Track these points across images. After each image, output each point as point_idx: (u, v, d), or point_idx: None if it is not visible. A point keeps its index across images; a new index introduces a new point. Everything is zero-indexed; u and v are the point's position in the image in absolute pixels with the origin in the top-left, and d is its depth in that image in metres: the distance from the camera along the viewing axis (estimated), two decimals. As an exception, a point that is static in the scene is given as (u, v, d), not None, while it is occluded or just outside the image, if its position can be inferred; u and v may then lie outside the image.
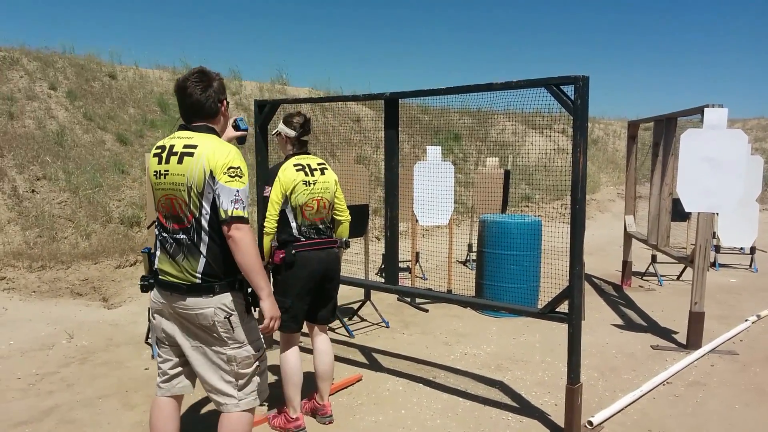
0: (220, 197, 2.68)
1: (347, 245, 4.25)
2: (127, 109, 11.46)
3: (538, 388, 4.81)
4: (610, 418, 4.23)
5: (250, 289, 2.86)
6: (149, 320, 5.02)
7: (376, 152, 13.49)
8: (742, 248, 10.46)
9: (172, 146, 2.80)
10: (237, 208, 2.68)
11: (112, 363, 5.28)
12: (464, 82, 4.35)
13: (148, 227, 4.98)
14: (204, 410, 4.30)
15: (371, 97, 5.24)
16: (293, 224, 3.90)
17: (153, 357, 4.91)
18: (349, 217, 4.28)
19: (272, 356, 5.31)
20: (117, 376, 4.98)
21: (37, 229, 8.02)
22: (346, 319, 6.42)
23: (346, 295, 6.99)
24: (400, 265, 7.02)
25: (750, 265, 9.96)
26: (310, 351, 4.25)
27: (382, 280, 5.30)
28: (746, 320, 6.62)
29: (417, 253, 8.43)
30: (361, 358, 5.46)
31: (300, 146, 4.07)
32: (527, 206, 14.81)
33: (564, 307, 3.98)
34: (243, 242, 2.69)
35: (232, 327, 2.82)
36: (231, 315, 2.81)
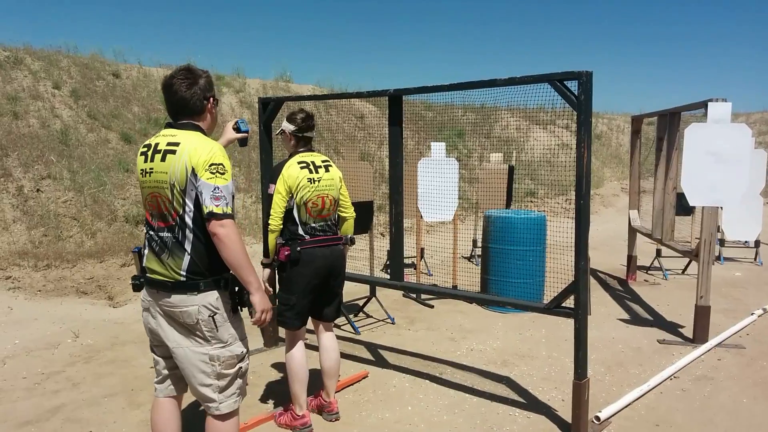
0: (203, 194, 2.66)
1: (352, 242, 4.25)
2: (132, 107, 11.46)
3: (545, 384, 4.81)
4: (617, 413, 4.22)
5: (237, 288, 2.85)
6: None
7: (380, 149, 13.48)
8: (746, 242, 10.43)
9: (156, 144, 2.79)
10: (219, 205, 2.65)
11: (117, 362, 5.29)
12: (467, 78, 4.36)
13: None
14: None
15: (375, 93, 5.23)
16: (298, 221, 3.89)
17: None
18: (354, 214, 4.27)
19: (278, 354, 5.33)
20: (122, 374, 4.99)
21: (42, 228, 8.03)
22: (351, 316, 6.41)
23: (351, 291, 6.99)
24: (405, 261, 7.01)
25: (755, 259, 9.94)
26: (315, 348, 4.25)
27: (388, 277, 5.31)
28: (752, 313, 6.61)
29: (422, 249, 8.42)
30: (367, 355, 5.46)
31: (304, 144, 4.07)
32: (531, 201, 14.80)
33: (570, 302, 3.97)
34: (227, 239, 2.67)
35: (216, 326, 2.80)
36: (215, 314, 2.80)
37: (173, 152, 2.71)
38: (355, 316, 6.62)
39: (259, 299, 2.81)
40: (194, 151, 2.68)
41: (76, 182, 8.86)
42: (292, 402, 3.98)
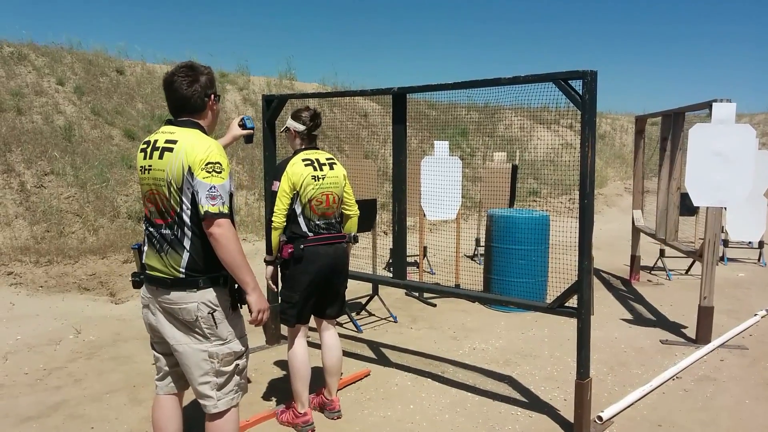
0: (199, 194, 2.65)
1: (356, 240, 4.24)
2: (135, 104, 11.47)
3: (547, 383, 4.80)
4: (619, 413, 4.21)
5: (237, 285, 2.84)
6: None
7: (383, 147, 13.48)
8: (750, 242, 10.40)
9: (155, 141, 2.79)
10: (215, 204, 2.64)
11: (119, 358, 5.29)
12: (470, 77, 4.36)
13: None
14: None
15: (379, 92, 5.22)
16: (302, 219, 3.88)
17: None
18: (358, 212, 4.27)
19: (280, 351, 5.33)
20: (124, 371, 4.99)
21: (44, 224, 8.04)
22: (354, 314, 6.41)
23: (354, 289, 6.98)
24: (408, 259, 6.98)
25: (758, 259, 9.91)
26: (318, 346, 4.25)
27: (390, 275, 5.29)
28: (756, 314, 6.59)
29: (425, 248, 8.42)
30: (369, 353, 5.45)
31: (309, 141, 4.06)
32: (535, 201, 14.78)
33: (573, 302, 3.96)
34: (223, 238, 2.66)
35: (215, 323, 2.80)
36: (214, 311, 2.79)
37: (171, 150, 2.71)
38: (358, 314, 6.62)
39: (256, 299, 2.80)
40: (191, 149, 2.68)
41: (79, 178, 8.87)
42: (294, 400, 3.97)
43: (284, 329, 4.36)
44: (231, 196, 2.77)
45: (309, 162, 3.92)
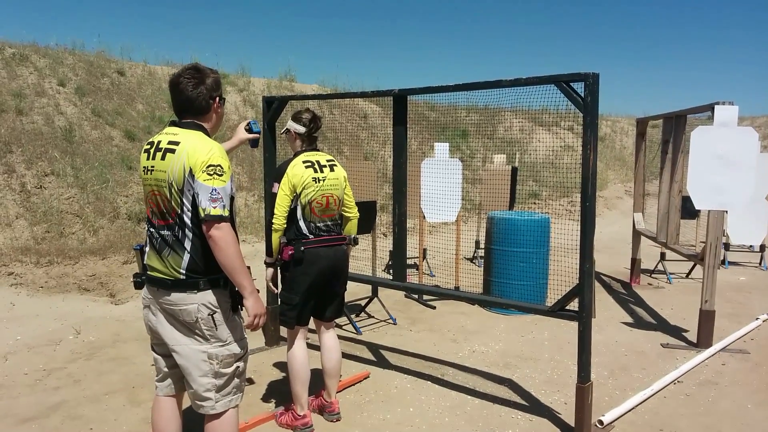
0: (199, 196, 2.65)
1: (356, 242, 4.23)
2: (136, 105, 11.47)
3: (548, 387, 4.78)
4: (620, 417, 4.19)
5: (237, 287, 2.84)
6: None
7: (383, 149, 13.47)
8: (751, 246, 10.39)
9: (159, 142, 2.79)
10: (215, 207, 2.64)
11: (119, 359, 5.28)
12: (470, 79, 4.34)
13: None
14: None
15: (380, 93, 5.22)
16: (302, 221, 3.87)
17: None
18: (358, 214, 4.26)
19: (279, 353, 5.32)
20: (124, 372, 4.98)
21: (44, 224, 8.03)
22: (353, 316, 6.40)
23: (353, 291, 6.97)
24: (408, 261, 6.96)
25: (760, 263, 9.89)
26: (317, 348, 4.23)
27: (390, 277, 5.29)
28: (757, 318, 6.57)
29: (424, 250, 8.41)
30: (369, 355, 5.44)
31: (309, 143, 4.05)
32: (535, 203, 14.77)
33: (574, 305, 3.95)
34: (222, 241, 2.66)
35: (215, 324, 2.80)
36: (215, 312, 2.79)
37: (173, 151, 2.71)
38: (357, 316, 6.60)
39: (253, 303, 2.79)
40: (192, 151, 2.67)
41: (79, 179, 8.86)
42: (294, 402, 3.96)
43: (284, 331, 4.35)
44: (232, 199, 2.77)
45: (309, 164, 3.91)
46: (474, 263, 9.59)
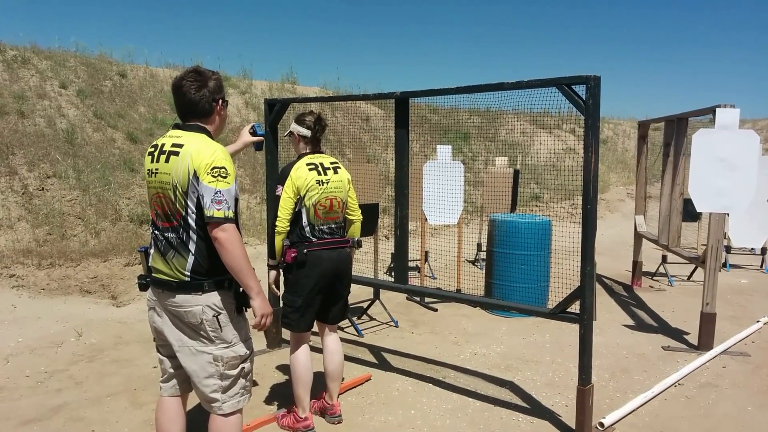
0: (204, 198, 2.66)
1: (359, 245, 4.23)
2: (138, 107, 11.49)
3: (549, 389, 4.79)
4: (621, 419, 4.19)
5: (242, 289, 2.85)
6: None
7: (385, 151, 13.48)
8: (752, 249, 10.39)
9: (162, 145, 2.81)
10: (220, 209, 2.65)
11: (120, 361, 5.29)
12: (473, 82, 4.35)
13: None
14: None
15: (382, 96, 5.22)
16: (305, 224, 3.88)
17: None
18: (361, 217, 4.26)
19: (281, 355, 5.32)
20: (125, 374, 4.99)
21: (46, 226, 8.04)
22: (355, 319, 6.40)
23: (355, 294, 6.94)
24: (410, 264, 6.99)
25: (761, 266, 9.89)
26: (319, 350, 4.24)
27: (392, 279, 5.29)
28: (758, 321, 6.57)
29: (426, 252, 8.41)
30: (371, 358, 5.44)
31: (313, 145, 4.05)
32: (536, 206, 14.77)
33: (575, 308, 3.95)
34: (228, 243, 2.67)
35: (220, 326, 2.81)
36: (219, 314, 2.80)
37: (177, 154, 2.72)
38: (359, 318, 6.61)
39: (259, 304, 2.81)
40: (197, 153, 2.69)
41: (81, 181, 8.87)
42: (295, 404, 3.97)
43: (286, 333, 4.35)
44: (236, 200, 2.78)
45: (313, 166, 3.91)
46: (476, 266, 9.59)
